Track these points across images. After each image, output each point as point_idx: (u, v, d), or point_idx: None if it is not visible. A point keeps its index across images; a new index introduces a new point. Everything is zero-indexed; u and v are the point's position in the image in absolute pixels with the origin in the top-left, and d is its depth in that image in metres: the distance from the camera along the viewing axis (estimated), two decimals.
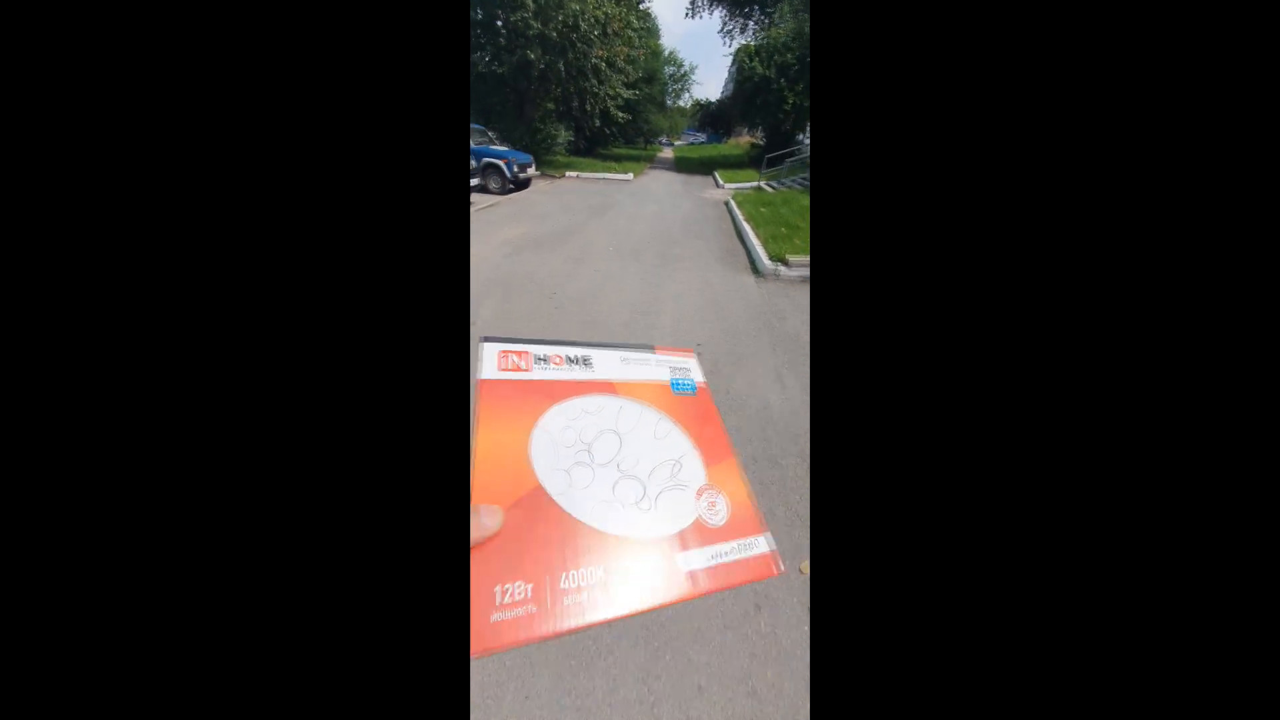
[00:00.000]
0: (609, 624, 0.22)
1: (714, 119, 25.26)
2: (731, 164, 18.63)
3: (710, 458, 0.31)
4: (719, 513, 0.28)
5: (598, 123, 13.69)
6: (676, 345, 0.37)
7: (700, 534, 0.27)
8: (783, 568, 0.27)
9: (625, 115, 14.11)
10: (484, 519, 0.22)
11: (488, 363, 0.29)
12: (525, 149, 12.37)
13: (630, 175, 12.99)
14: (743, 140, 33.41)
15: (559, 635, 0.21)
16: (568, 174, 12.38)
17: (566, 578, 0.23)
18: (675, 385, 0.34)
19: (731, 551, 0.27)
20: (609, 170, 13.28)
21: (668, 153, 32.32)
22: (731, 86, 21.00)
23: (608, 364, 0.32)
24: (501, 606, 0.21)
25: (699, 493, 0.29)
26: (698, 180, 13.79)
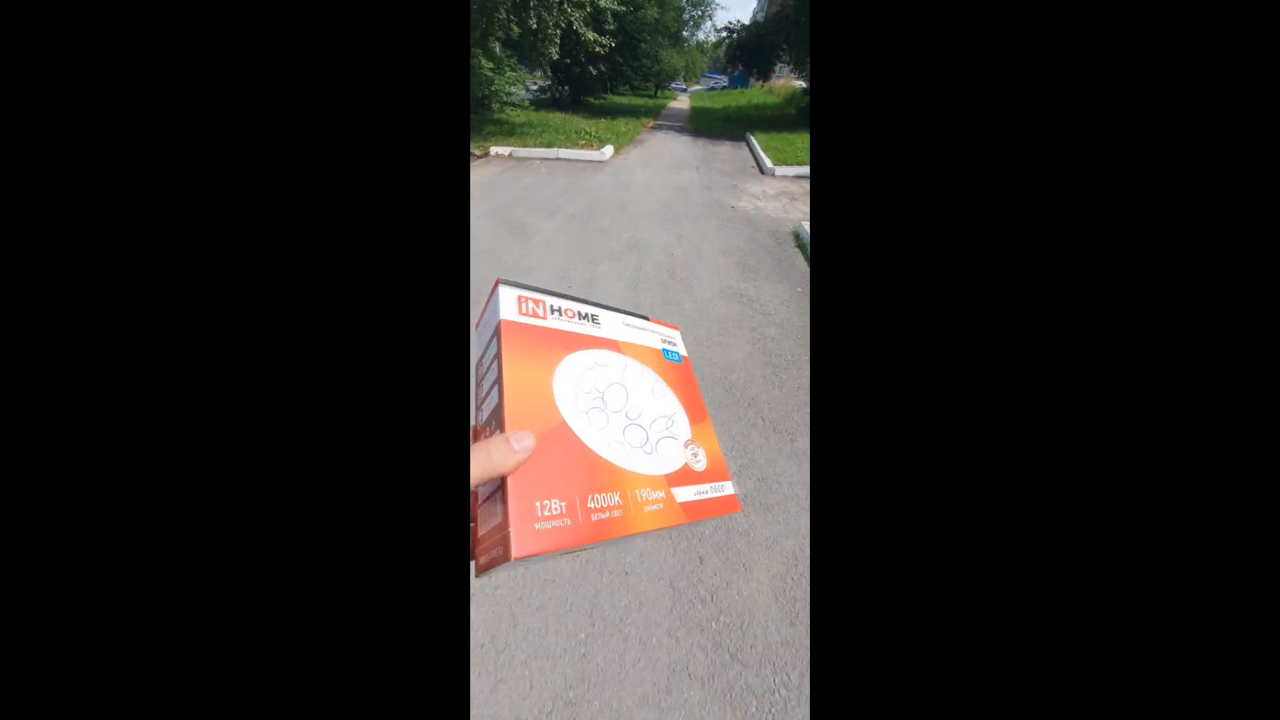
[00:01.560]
0: (626, 539, 0.27)
1: (748, 53, 17.87)
2: (771, 120, 12.41)
3: (693, 419, 0.36)
4: (700, 461, 0.34)
5: (555, 53, 7.93)
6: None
7: (687, 476, 0.32)
8: (743, 506, 0.34)
9: (604, 40, 8.24)
10: (517, 443, 0.25)
11: (506, 304, 0.31)
12: None
13: (608, 150, 7.22)
14: (779, 84, 26.30)
15: (587, 544, 0.25)
16: (494, 151, 6.90)
17: (592, 499, 0.26)
18: (666, 353, 0.39)
19: (709, 490, 0.33)
20: (577, 141, 7.61)
21: (681, 101, 25.44)
22: (769, 8, 14.46)
23: (612, 324, 0.36)
24: (542, 518, 0.24)
25: (685, 444, 0.34)
26: (724, 154, 8.02)
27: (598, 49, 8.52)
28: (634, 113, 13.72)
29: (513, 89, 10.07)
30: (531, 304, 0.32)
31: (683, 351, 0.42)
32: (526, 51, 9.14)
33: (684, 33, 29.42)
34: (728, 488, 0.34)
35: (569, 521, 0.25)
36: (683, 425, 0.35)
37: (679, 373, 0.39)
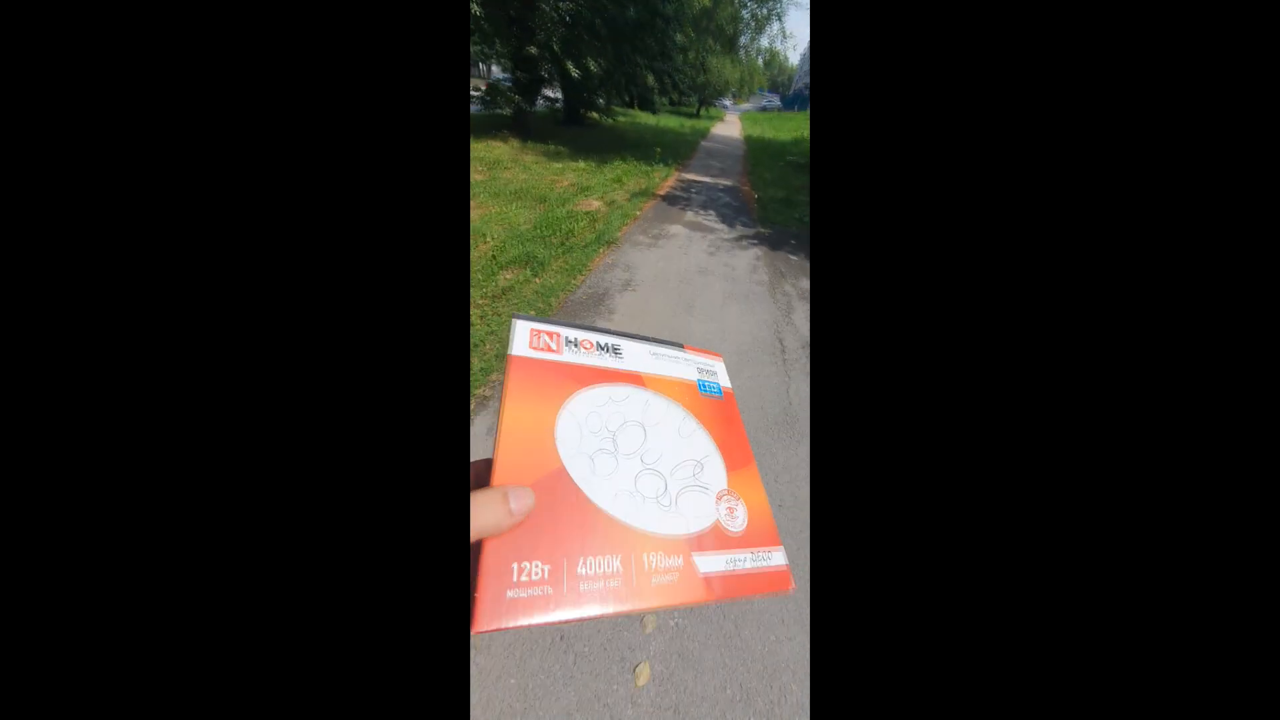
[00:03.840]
0: (622, 616, 0.22)
1: None
2: None
3: (732, 463, 0.30)
4: (738, 520, 0.28)
5: None
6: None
7: (718, 539, 0.26)
8: (794, 584, 0.28)
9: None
10: (515, 503, 0.21)
11: (519, 339, 0.29)
12: None
13: None
14: None
15: (570, 621, 0.21)
16: None
17: (584, 564, 0.22)
18: (702, 386, 0.34)
19: (747, 560, 0.26)
20: None
21: (730, 124, 19.03)
22: None
23: (637, 356, 0.32)
24: (518, 584, 0.20)
25: (719, 496, 0.28)
26: None
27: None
28: (650, 148, 7.65)
29: None
30: (545, 337, 0.29)
31: (724, 383, 0.35)
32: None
33: (740, 38, 23.19)
34: (776, 557, 0.27)
35: (549, 590, 0.21)
36: (717, 472, 0.29)
37: (717, 409, 0.33)
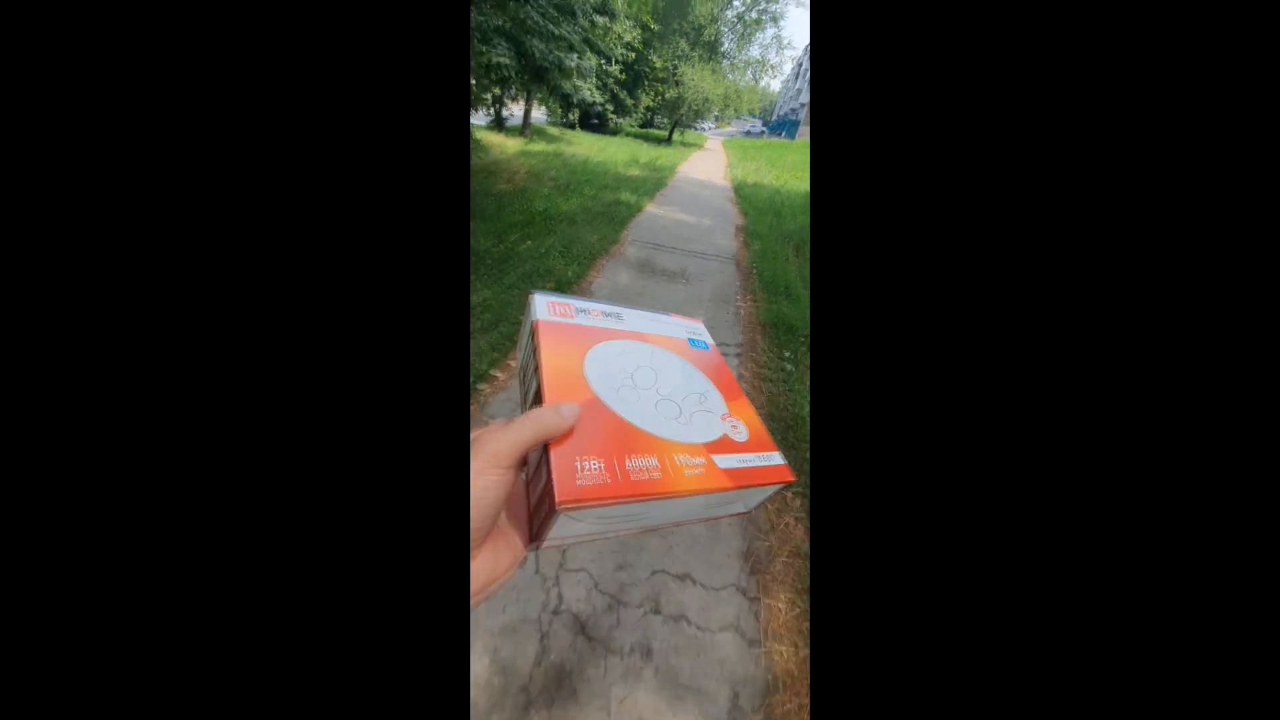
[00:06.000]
0: (666, 496, 0.27)
1: None
2: None
3: (728, 395, 0.36)
4: (740, 433, 0.33)
5: None
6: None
7: (728, 446, 0.31)
8: (795, 476, 0.36)
9: None
10: (565, 409, 0.26)
11: (539, 308, 0.34)
12: None
13: None
14: None
15: (627, 498, 0.25)
16: None
17: (630, 460, 0.27)
18: (691, 342, 0.40)
19: (754, 459, 0.32)
20: None
21: (710, 155, 13.64)
22: None
23: (636, 320, 0.39)
24: (582, 474, 0.25)
25: (722, 418, 0.33)
26: None
27: None
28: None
29: None
30: (560, 307, 0.35)
31: (709, 340, 0.42)
32: None
33: (727, 43, 18.67)
34: (776, 458, 0.32)
35: (607, 478, 0.25)
36: (717, 401, 0.35)
37: (707, 357, 0.39)
